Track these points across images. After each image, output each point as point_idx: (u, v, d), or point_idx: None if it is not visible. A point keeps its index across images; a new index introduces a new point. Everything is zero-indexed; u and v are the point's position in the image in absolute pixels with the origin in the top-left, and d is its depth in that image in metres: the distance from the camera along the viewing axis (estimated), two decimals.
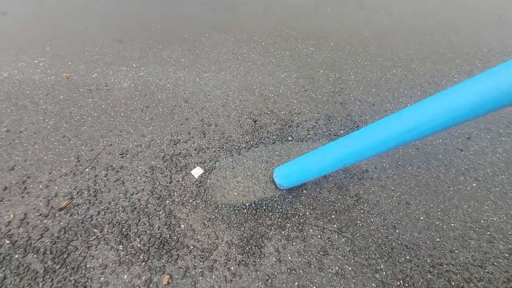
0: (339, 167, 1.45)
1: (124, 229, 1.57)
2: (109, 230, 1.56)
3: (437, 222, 1.66)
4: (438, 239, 1.59)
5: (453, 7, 3.97)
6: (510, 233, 1.62)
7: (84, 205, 1.66)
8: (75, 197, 1.69)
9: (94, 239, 1.52)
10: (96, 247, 1.49)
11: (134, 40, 2.92)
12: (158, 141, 2.03)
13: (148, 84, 2.45)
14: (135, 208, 1.66)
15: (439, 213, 1.71)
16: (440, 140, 2.15)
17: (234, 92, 2.45)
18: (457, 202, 1.77)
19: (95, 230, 1.56)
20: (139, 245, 1.51)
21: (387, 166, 1.96)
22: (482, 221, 1.67)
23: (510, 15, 3.78)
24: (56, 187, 1.73)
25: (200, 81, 2.52)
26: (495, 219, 1.68)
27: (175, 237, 1.55)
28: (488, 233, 1.62)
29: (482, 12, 3.90)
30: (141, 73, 2.55)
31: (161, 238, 1.54)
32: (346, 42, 3.09)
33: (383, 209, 1.72)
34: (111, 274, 1.40)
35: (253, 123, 2.20)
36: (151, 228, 1.58)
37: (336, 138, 2.12)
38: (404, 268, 1.47)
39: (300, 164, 1.63)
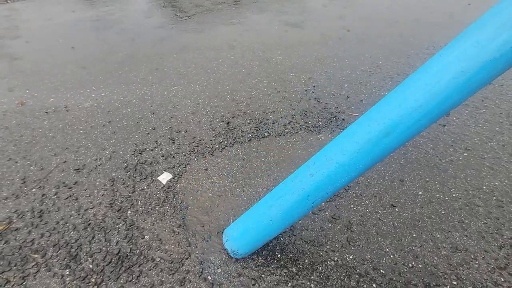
0: (308, 208, 1.01)
1: (72, 250, 1.27)
2: (54, 254, 1.26)
3: (437, 195, 1.49)
4: (443, 212, 1.40)
5: (409, 8, 4.31)
6: None
7: (25, 228, 1.36)
8: (14, 221, 1.40)
9: (33, 266, 1.21)
10: (35, 276, 1.18)
11: (98, 66, 2.84)
12: (121, 153, 1.81)
13: (112, 102, 2.31)
14: (89, 225, 1.38)
15: (437, 186, 1.54)
16: None
17: (205, 100, 2.34)
18: (453, 173, 1.62)
19: (35, 256, 1.25)
20: (90, 266, 1.21)
21: None
22: (484, 187, 1.51)
23: (459, 14, 4.13)
24: None
25: (169, 94, 2.42)
26: (497, 183, 1.53)
27: (137, 251, 1.27)
28: (494, 198, 1.45)
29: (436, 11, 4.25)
30: (105, 93, 2.42)
31: (119, 254, 1.25)
32: (312, 49, 3.17)
33: (376, 189, 1.54)
34: None
35: (225, 125, 2.05)
36: (108, 244, 1.30)
37: (315, 130, 2.00)
38: (413, 248, 1.24)
39: (256, 217, 1.12)
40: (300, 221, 1.38)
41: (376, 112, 0.86)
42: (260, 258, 1.23)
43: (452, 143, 1.84)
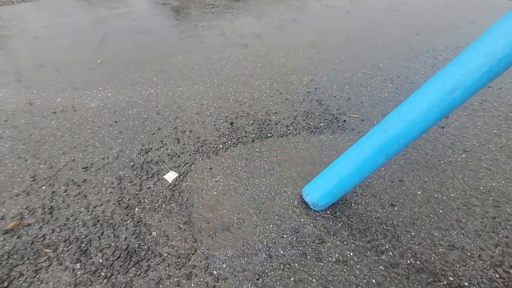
0: (381, 161, 1.18)
1: (83, 245, 1.32)
2: (65, 249, 1.30)
3: (436, 195, 1.53)
4: (441, 211, 1.44)
5: (408, 12, 4.36)
6: None
7: (37, 224, 1.41)
8: (26, 217, 1.45)
9: (45, 260, 1.26)
10: (47, 269, 1.22)
11: (104, 67, 2.90)
12: (128, 152, 1.86)
13: (118, 102, 2.36)
14: (98, 221, 1.43)
15: (436, 186, 1.58)
16: None
17: (209, 101, 2.39)
18: (451, 174, 1.66)
19: (47, 251, 1.30)
20: (100, 260, 1.26)
21: None
22: (481, 188, 1.56)
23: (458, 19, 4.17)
24: (4, 209, 1.48)
25: (173, 95, 2.47)
26: (494, 184, 1.58)
27: (145, 246, 1.32)
28: (491, 198, 1.50)
29: (438, 15, 4.29)
30: (111, 93, 2.47)
31: (128, 250, 1.30)
32: (314, 51, 3.22)
33: (376, 189, 1.58)
34: None
35: (229, 125, 2.10)
36: (117, 240, 1.34)
37: (316, 131, 2.05)
38: (412, 245, 1.29)
39: (333, 173, 1.32)
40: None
41: (444, 74, 1.01)
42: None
43: (450, 145, 1.88)
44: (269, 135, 2.01)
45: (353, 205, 1.50)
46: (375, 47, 3.33)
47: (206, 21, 4.14)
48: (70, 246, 1.31)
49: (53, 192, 1.58)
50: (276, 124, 2.12)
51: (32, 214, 1.46)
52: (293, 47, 3.34)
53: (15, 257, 1.27)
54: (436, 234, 1.33)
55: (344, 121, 2.14)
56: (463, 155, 1.79)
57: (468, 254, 1.24)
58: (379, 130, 1.17)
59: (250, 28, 3.90)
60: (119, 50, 3.27)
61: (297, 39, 3.55)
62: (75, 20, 4.21)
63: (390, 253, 1.26)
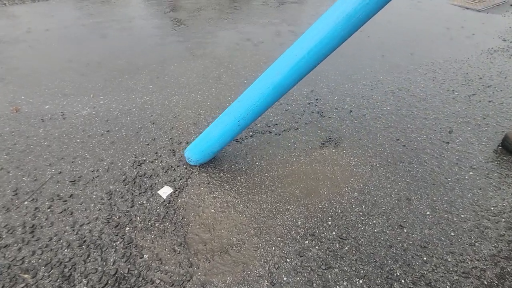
0: (239, 127, 1.50)
1: (66, 270, 1.19)
2: (45, 274, 1.18)
3: (446, 215, 1.46)
4: (452, 233, 1.36)
5: (406, 27, 4.39)
6: None
7: (15, 245, 1.28)
8: (3, 236, 1.31)
9: (23, 287, 1.13)
10: None
11: (98, 73, 2.79)
12: (119, 164, 1.75)
13: (111, 110, 2.25)
14: (84, 242, 1.30)
15: (445, 206, 1.51)
16: (424, 136, 2.06)
17: (206, 110, 2.30)
18: (460, 192, 1.60)
19: (26, 276, 1.17)
20: None
21: (377, 165, 1.80)
22: (492, 208, 1.49)
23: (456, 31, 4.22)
24: None
25: (169, 103, 2.37)
26: (505, 204, 1.51)
27: (136, 272, 1.20)
28: (503, 219, 1.43)
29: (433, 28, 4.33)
30: (103, 101, 2.36)
31: (116, 275, 1.18)
32: None
33: (383, 208, 1.50)
34: None
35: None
36: (104, 264, 1.22)
37: (319, 144, 1.97)
38: (425, 272, 1.20)
39: (204, 134, 1.65)
40: None
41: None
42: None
43: (457, 161, 1.82)
44: (269, 148, 1.92)
45: (359, 225, 1.41)
46: (374, 59, 3.31)
47: (203, 29, 4.08)
48: (51, 271, 1.19)
49: (36, 208, 1.45)
50: (277, 136, 2.04)
51: (11, 233, 1.33)
52: None
53: None
54: (449, 259, 1.25)
55: (347, 134, 2.08)
56: (471, 173, 1.73)
57: (485, 282, 1.16)
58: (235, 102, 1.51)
59: (248, 36, 3.86)
60: (113, 55, 3.18)
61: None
62: (68, 24, 4.11)
63: (403, 281, 1.17)
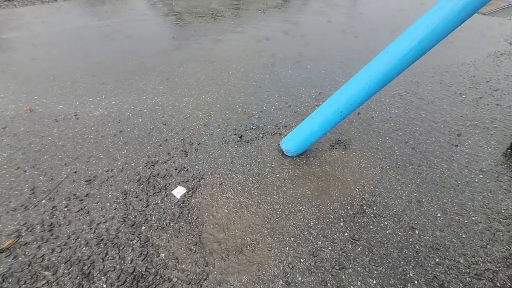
0: (338, 118, 1.61)
1: (85, 268, 1.22)
2: (66, 271, 1.20)
3: (457, 218, 1.47)
4: (464, 235, 1.38)
5: None
6: None
7: (35, 243, 1.31)
8: (23, 234, 1.34)
9: (44, 284, 1.16)
10: None
11: (109, 74, 2.83)
12: (133, 164, 1.78)
13: (123, 111, 2.28)
14: (102, 240, 1.33)
15: (456, 208, 1.53)
16: (433, 138, 2.08)
17: (216, 112, 2.33)
18: (470, 195, 1.61)
19: (46, 273, 1.19)
20: (104, 285, 1.16)
21: (387, 167, 1.81)
22: (503, 211, 1.51)
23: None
24: (0, 225, 1.38)
25: (180, 104, 2.40)
26: None
27: (153, 270, 1.22)
28: None
29: None
30: (115, 102, 2.40)
31: (134, 273, 1.21)
32: (321, 64, 3.20)
33: (394, 210, 1.52)
34: None
35: (238, 138, 2.03)
36: (122, 262, 1.25)
37: (328, 146, 1.99)
38: (438, 273, 1.22)
39: (302, 127, 1.76)
40: None
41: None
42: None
43: (466, 164, 1.84)
44: (279, 149, 1.94)
45: (371, 227, 1.43)
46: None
47: (211, 32, 4.12)
48: (71, 269, 1.21)
49: (54, 207, 1.48)
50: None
51: (31, 231, 1.36)
52: (299, 60, 3.32)
53: (10, 280, 1.16)
54: (461, 261, 1.26)
55: (356, 136, 2.10)
56: (480, 176, 1.74)
57: (498, 284, 1.17)
58: (337, 93, 1.62)
59: (256, 39, 3.89)
60: (123, 57, 3.22)
61: (303, 51, 3.54)
62: (77, 25, 4.16)
63: (416, 282, 1.18)
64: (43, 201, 1.52)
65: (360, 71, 1.52)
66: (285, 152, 1.85)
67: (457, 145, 2.01)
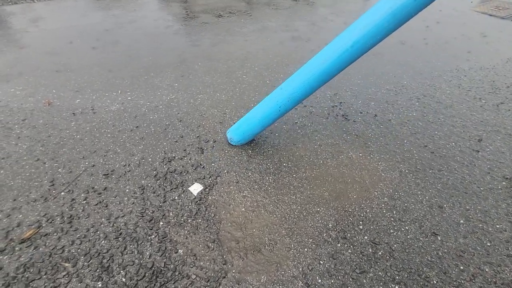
0: (277, 113, 1.64)
1: (105, 261, 1.22)
2: (85, 263, 1.21)
3: (480, 225, 1.43)
4: (488, 243, 1.34)
5: (431, 34, 4.34)
6: None
7: (55, 234, 1.32)
8: (43, 225, 1.35)
9: (64, 276, 1.16)
10: (66, 286, 1.13)
11: (125, 70, 2.85)
12: (150, 159, 1.78)
13: (139, 107, 2.29)
14: (120, 234, 1.33)
15: (479, 215, 1.49)
16: (453, 143, 2.03)
17: (231, 110, 2.32)
18: (493, 202, 1.57)
19: (66, 265, 1.20)
20: (123, 279, 1.16)
21: (406, 171, 1.78)
22: None
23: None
24: (21, 215, 1.39)
25: (195, 102, 2.40)
26: None
27: (172, 266, 1.22)
28: None
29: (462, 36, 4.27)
30: (131, 97, 2.41)
31: (153, 268, 1.20)
32: None
33: (415, 215, 1.49)
34: None
35: (253, 138, 2.02)
36: (141, 256, 1.25)
37: (345, 147, 1.97)
38: (463, 281, 1.18)
39: (243, 120, 1.82)
40: None
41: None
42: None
43: (488, 170, 1.79)
44: (295, 149, 1.93)
45: (391, 231, 1.40)
46: (397, 64, 3.28)
47: (226, 30, 4.12)
48: (90, 261, 1.22)
49: (73, 199, 1.49)
50: (302, 138, 2.04)
51: (51, 222, 1.37)
52: None
53: (31, 270, 1.17)
54: (487, 269, 1.23)
55: (374, 138, 2.06)
56: (503, 183, 1.70)
57: None
58: (278, 88, 1.66)
59: (270, 37, 3.87)
60: (139, 53, 3.24)
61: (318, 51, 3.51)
62: (96, 22, 4.21)
63: None
64: (62, 193, 1.53)
65: (300, 69, 1.58)
66: (229, 141, 1.91)
67: (478, 151, 1.96)
